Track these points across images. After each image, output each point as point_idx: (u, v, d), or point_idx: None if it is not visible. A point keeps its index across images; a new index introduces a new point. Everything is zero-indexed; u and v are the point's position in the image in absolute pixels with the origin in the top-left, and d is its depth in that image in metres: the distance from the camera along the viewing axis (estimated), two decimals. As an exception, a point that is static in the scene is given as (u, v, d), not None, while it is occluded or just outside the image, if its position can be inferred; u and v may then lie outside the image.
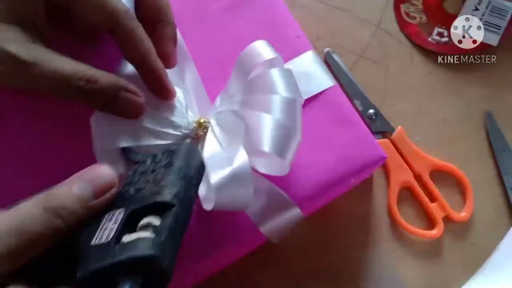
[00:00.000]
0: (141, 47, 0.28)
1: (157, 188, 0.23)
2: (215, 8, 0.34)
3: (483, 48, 0.40)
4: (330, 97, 0.32)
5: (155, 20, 0.30)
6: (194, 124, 0.30)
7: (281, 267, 0.35)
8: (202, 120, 0.30)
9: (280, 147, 0.26)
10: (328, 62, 0.39)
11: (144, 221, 0.21)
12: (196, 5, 0.35)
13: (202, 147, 0.29)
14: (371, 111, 0.38)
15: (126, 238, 0.21)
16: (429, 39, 0.41)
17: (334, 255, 0.35)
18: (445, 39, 0.41)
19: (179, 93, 0.30)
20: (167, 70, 0.30)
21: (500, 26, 0.41)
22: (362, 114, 0.38)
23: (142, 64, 0.28)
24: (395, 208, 0.36)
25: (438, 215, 0.35)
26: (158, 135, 0.29)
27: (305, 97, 0.32)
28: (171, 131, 0.29)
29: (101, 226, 0.22)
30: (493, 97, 0.40)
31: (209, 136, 0.29)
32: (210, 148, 0.28)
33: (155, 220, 0.21)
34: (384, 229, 0.36)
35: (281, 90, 0.28)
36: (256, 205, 0.29)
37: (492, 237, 0.36)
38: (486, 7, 0.42)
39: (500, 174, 0.37)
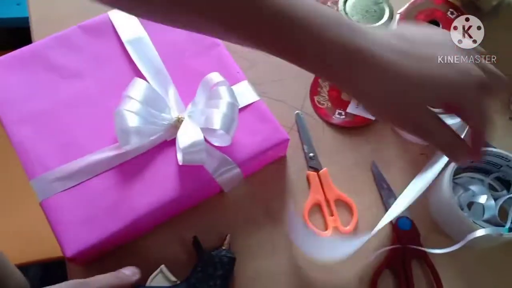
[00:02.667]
0: None
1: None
2: (189, 55, 0.60)
3: (366, 121, 0.64)
4: (257, 106, 0.58)
5: None
6: (175, 118, 0.54)
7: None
8: (180, 116, 0.54)
9: (226, 128, 0.50)
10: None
11: None
12: (177, 55, 0.60)
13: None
14: (311, 154, 0.61)
15: None
16: (333, 117, 0.64)
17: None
18: (343, 117, 0.64)
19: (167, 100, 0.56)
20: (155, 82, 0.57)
21: (377, 107, 0.65)
22: (306, 154, 0.62)
23: None
24: (306, 213, 0.57)
25: (331, 224, 0.57)
26: (153, 122, 0.53)
27: (242, 105, 0.56)
28: (161, 121, 0.53)
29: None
30: (374, 151, 0.63)
31: (183, 125, 0.53)
32: (182, 131, 0.52)
33: None
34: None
35: (226, 97, 0.52)
36: (212, 165, 0.53)
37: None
38: (368, 96, 0.66)
39: (382, 198, 0.60)
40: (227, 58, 0.61)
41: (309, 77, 0.68)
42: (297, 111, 0.65)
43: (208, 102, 0.53)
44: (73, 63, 0.59)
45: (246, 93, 0.58)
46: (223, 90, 0.53)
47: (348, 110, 0.65)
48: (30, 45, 0.60)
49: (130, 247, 0.55)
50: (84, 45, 0.60)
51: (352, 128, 0.64)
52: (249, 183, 0.59)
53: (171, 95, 0.56)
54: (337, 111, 0.65)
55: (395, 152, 0.63)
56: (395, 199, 0.59)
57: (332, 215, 0.58)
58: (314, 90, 0.67)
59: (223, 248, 0.53)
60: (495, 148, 0.59)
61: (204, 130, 0.52)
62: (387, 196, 0.59)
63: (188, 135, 0.51)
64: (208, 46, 0.61)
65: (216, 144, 0.53)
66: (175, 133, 0.53)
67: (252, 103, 0.58)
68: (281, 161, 0.61)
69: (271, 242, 0.56)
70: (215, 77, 0.54)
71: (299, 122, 0.64)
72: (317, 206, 0.59)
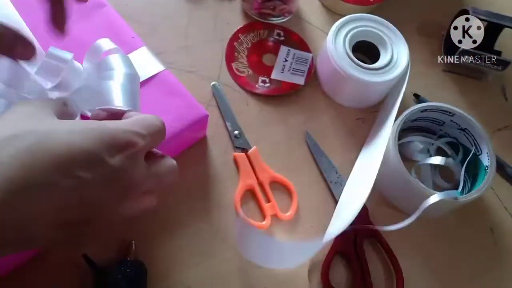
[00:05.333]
0: None
1: None
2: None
3: (294, 87, 0.55)
4: (163, 78, 0.46)
5: None
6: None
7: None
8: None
9: (131, 102, 0.36)
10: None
11: None
12: None
13: None
14: (236, 132, 0.51)
15: None
16: (257, 86, 0.55)
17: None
18: (268, 84, 0.55)
19: None
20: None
21: (304, 70, 0.56)
22: (230, 133, 0.51)
23: None
24: (238, 202, 0.48)
25: (268, 212, 0.48)
26: None
27: (143, 78, 0.45)
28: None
29: None
30: (307, 120, 0.54)
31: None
32: None
33: None
34: (230, 214, 0.48)
35: (121, 67, 0.39)
36: None
37: (320, 216, 0.49)
38: (292, 58, 0.57)
39: (322, 173, 0.52)
40: (118, 21, 0.49)
41: (222, 40, 0.57)
42: (213, 82, 0.54)
43: (99, 75, 0.40)
44: None
45: (146, 63, 0.46)
46: (116, 59, 0.40)
47: (273, 76, 0.56)
48: None
49: (13, 281, 0.42)
50: None
51: (280, 97, 0.55)
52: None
53: None
54: (260, 78, 0.55)
55: (329, 119, 0.55)
56: (337, 172, 0.51)
57: (268, 201, 0.49)
58: (230, 56, 0.56)
59: (128, 259, 0.42)
60: (431, 102, 0.54)
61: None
62: (327, 170, 0.51)
63: None
64: (91, 8, 0.48)
65: None
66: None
67: (155, 75, 0.46)
68: (200, 144, 0.51)
69: (201, 245, 0.46)
70: (104, 44, 0.40)
71: (217, 95, 0.54)
72: (250, 193, 0.49)
